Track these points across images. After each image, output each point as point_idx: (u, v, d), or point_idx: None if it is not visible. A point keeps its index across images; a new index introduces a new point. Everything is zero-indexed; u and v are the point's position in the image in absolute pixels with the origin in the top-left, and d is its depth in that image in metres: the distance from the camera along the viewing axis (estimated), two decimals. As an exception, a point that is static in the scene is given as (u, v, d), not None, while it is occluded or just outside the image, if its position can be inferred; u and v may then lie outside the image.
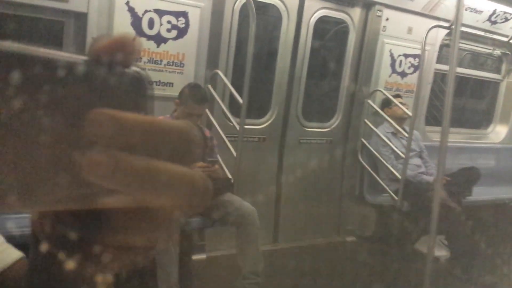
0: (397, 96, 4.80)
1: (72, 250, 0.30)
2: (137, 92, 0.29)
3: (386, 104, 4.80)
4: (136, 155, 0.26)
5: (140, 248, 0.30)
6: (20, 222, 2.27)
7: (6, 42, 0.26)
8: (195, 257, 3.71)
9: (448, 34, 4.74)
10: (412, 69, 5.02)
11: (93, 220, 0.29)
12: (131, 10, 3.48)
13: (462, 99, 6.22)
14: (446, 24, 4.57)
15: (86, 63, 0.28)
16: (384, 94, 4.80)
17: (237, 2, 4.02)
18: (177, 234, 0.30)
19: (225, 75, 3.89)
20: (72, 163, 0.26)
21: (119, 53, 0.28)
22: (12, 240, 0.62)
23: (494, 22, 5.31)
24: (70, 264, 0.30)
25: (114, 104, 0.27)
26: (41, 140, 0.26)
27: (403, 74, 5.00)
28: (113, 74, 0.28)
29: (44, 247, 0.31)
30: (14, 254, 0.59)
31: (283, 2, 4.30)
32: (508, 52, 5.95)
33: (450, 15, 3.94)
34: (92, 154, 0.26)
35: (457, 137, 5.57)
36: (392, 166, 4.54)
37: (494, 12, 5.20)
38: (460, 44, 4.06)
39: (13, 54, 0.26)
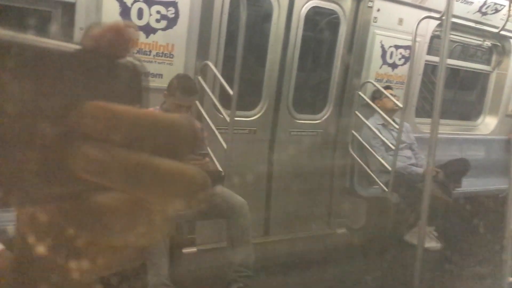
0: (387, 87, 4.81)
1: (61, 248, 0.29)
2: (132, 83, 0.29)
3: (376, 95, 4.79)
4: (131, 149, 0.25)
5: (133, 246, 0.29)
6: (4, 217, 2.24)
7: None
8: (185, 250, 3.70)
9: (439, 25, 4.73)
10: (402, 60, 5.01)
11: (84, 217, 0.27)
12: None
13: (452, 90, 6.24)
14: (437, 15, 4.57)
15: (80, 52, 0.27)
16: (374, 85, 4.79)
17: (228, -8, 3.98)
18: (171, 229, 0.29)
19: (215, 66, 3.85)
20: (64, 158, 0.25)
21: (113, 42, 0.27)
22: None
23: (485, 13, 5.32)
24: (58, 262, 0.29)
25: (109, 96, 0.26)
26: (31, 133, 0.25)
27: (393, 66, 4.99)
28: (107, 65, 0.27)
29: (31, 244, 0.29)
30: None
31: (274, -8, 4.27)
32: (498, 43, 5.97)
33: (441, 6, 3.93)
34: (86, 148, 0.25)
35: (447, 128, 5.59)
36: (382, 158, 4.54)
37: (485, 3, 5.20)
38: (451, 36, 4.05)
39: (4, 42, 0.24)
